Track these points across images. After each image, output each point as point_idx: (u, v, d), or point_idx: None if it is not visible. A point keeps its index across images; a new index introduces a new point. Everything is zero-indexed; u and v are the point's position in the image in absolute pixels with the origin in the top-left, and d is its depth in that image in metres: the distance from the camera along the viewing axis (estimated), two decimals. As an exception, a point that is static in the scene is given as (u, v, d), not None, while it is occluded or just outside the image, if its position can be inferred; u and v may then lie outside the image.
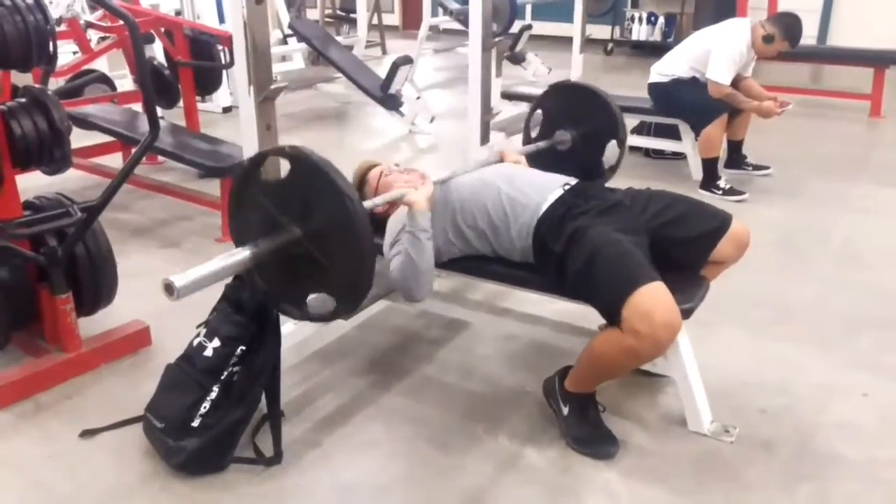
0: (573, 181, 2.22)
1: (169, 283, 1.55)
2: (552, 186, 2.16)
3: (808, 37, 5.39)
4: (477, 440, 2.12)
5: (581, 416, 2.09)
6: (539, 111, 2.88)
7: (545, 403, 2.20)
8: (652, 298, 1.84)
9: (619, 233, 2.00)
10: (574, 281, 1.99)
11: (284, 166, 1.77)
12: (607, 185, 2.29)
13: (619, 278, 1.88)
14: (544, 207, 2.09)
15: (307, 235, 1.71)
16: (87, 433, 2.14)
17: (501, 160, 2.51)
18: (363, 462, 2.05)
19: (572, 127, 2.78)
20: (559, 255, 2.01)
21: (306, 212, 1.71)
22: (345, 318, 1.79)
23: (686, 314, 1.94)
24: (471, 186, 2.21)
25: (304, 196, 1.71)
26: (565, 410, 2.10)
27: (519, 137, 3.28)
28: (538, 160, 2.70)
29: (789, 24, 4.13)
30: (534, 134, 2.91)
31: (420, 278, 2.06)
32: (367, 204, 1.93)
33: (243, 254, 1.69)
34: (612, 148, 2.74)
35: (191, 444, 1.93)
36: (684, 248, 2.12)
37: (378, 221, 2.30)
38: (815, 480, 1.96)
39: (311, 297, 1.79)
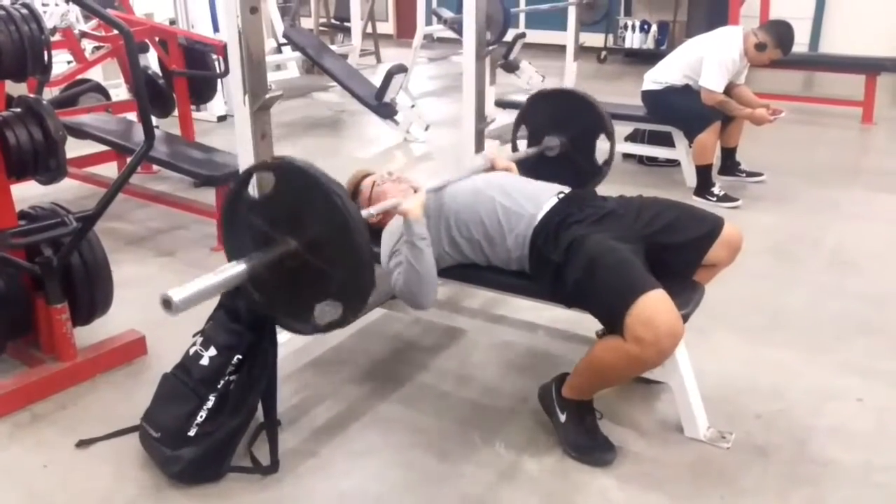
0: (567, 190, 2.23)
1: (167, 298, 1.53)
2: (546, 195, 2.17)
3: (800, 44, 5.43)
4: (474, 448, 2.13)
5: (578, 423, 2.09)
6: (524, 125, 2.94)
7: (542, 411, 2.20)
8: (655, 306, 1.85)
9: (616, 241, 2.01)
10: (573, 290, 2.00)
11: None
12: (600, 192, 2.30)
13: (621, 286, 1.89)
14: (539, 217, 2.10)
15: (303, 244, 1.71)
16: (83, 443, 2.13)
17: (492, 168, 2.52)
18: (360, 470, 2.05)
19: (559, 132, 2.82)
20: (557, 265, 2.01)
21: (298, 221, 1.70)
22: (349, 321, 1.77)
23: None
24: (464, 196, 2.21)
25: (293, 204, 1.71)
26: (562, 417, 2.11)
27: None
28: (531, 169, 2.72)
29: (781, 32, 4.16)
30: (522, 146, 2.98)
31: (424, 286, 2.06)
32: (363, 213, 1.93)
33: (238, 267, 1.68)
34: (602, 143, 2.80)
35: (187, 454, 1.93)
36: (678, 254, 2.13)
37: (373, 231, 2.31)
38: (810, 485, 1.96)
39: (317, 308, 1.78)
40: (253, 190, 1.85)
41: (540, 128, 2.90)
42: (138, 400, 2.14)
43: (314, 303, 1.77)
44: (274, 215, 1.74)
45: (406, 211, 2.07)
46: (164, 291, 1.54)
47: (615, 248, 1.97)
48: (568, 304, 2.08)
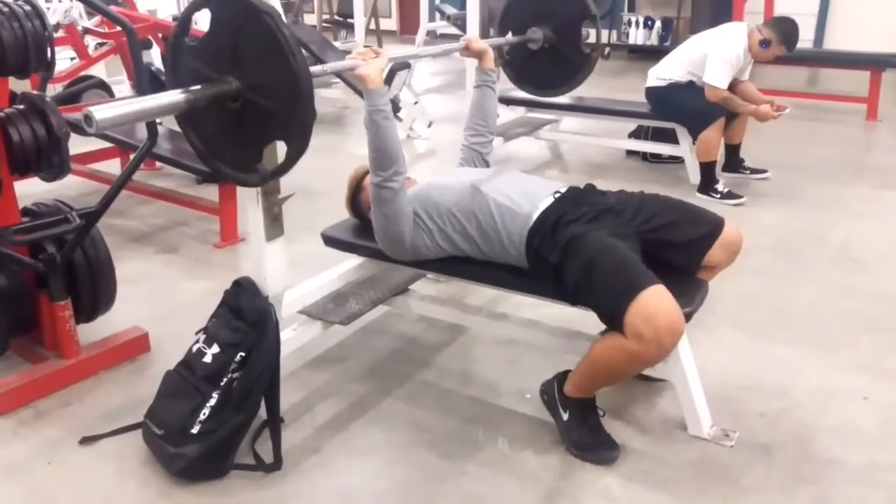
0: (563, 188, 2.21)
1: (89, 114, 1.46)
2: (542, 195, 2.16)
3: (805, 40, 5.40)
4: (476, 445, 2.12)
5: (581, 421, 2.08)
6: (510, 34, 3.02)
7: (544, 408, 2.20)
8: (655, 303, 1.84)
9: (614, 238, 2.00)
10: (573, 291, 1.99)
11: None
12: (600, 187, 2.29)
13: (620, 284, 1.88)
14: (535, 216, 2.09)
15: (243, 83, 1.67)
16: (87, 440, 2.13)
17: (467, 48, 2.56)
18: (363, 468, 2.05)
19: (543, 25, 2.92)
20: (555, 266, 2.00)
21: (236, 57, 1.66)
22: (295, 160, 1.69)
23: (686, 318, 1.93)
24: (457, 192, 2.20)
25: (230, 40, 1.67)
26: (565, 416, 2.10)
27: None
28: (522, 69, 2.75)
29: (786, 29, 4.15)
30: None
31: (385, 159, 2.06)
32: (316, 69, 1.83)
33: (175, 95, 1.62)
34: (587, 27, 2.89)
35: (190, 451, 1.93)
36: (677, 253, 2.12)
37: (369, 220, 2.31)
38: (814, 484, 1.96)
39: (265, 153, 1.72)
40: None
41: (525, 27, 2.97)
42: (142, 397, 2.14)
43: (262, 147, 1.72)
44: (213, 56, 1.70)
45: (363, 76, 2.04)
46: (89, 109, 1.47)
47: (613, 246, 1.96)
48: (572, 303, 2.07)
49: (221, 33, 1.69)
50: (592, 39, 3.11)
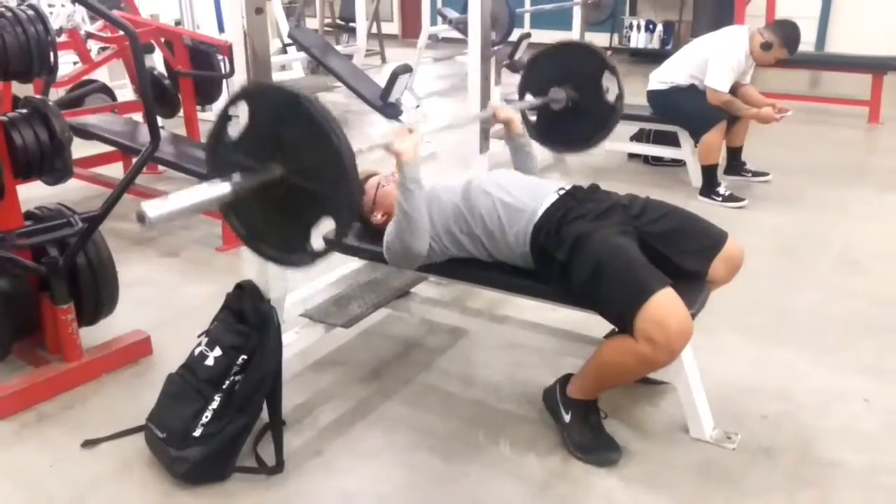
0: (567, 186, 2.22)
1: (141, 213, 1.49)
2: (547, 191, 2.16)
3: (807, 43, 5.40)
4: (478, 448, 2.12)
5: (583, 422, 2.08)
6: (529, 95, 3.03)
7: (546, 411, 2.20)
8: (666, 306, 1.84)
9: (620, 236, 2.00)
10: (580, 291, 1.99)
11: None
12: (604, 188, 2.29)
13: (630, 288, 1.88)
14: (540, 213, 2.09)
15: (286, 168, 1.68)
16: (89, 443, 2.14)
17: (495, 117, 2.58)
18: (365, 470, 2.05)
19: (564, 85, 2.90)
20: (562, 264, 2.00)
21: (277, 143, 1.67)
22: (344, 237, 1.70)
23: (687, 320, 1.93)
24: (463, 193, 2.21)
25: (270, 128, 1.68)
26: (567, 417, 2.10)
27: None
28: (549, 128, 2.78)
29: (787, 32, 4.15)
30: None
31: (415, 229, 2.08)
32: (355, 149, 1.81)
33: (221, 186, 1.64)
34: (608, 78, 2.84)
35: (193, 454, 1.93)
36: (677, 261, 2.09)
37: (377, 232, 2.31)
38: (816, 487, 1.96)
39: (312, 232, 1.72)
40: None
41: (545, 88, 2.98)
42: (144, 400, 2.15)
43: (309, 226, 1.71)
44: (255, 146, 1.71)
45: (398, 151, 2.08)
46: (140, 206, 1.49)
47: (621, 248, 1.96)
48: (575, 304, 2.07)
49: (262, 124, 1.71)
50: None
